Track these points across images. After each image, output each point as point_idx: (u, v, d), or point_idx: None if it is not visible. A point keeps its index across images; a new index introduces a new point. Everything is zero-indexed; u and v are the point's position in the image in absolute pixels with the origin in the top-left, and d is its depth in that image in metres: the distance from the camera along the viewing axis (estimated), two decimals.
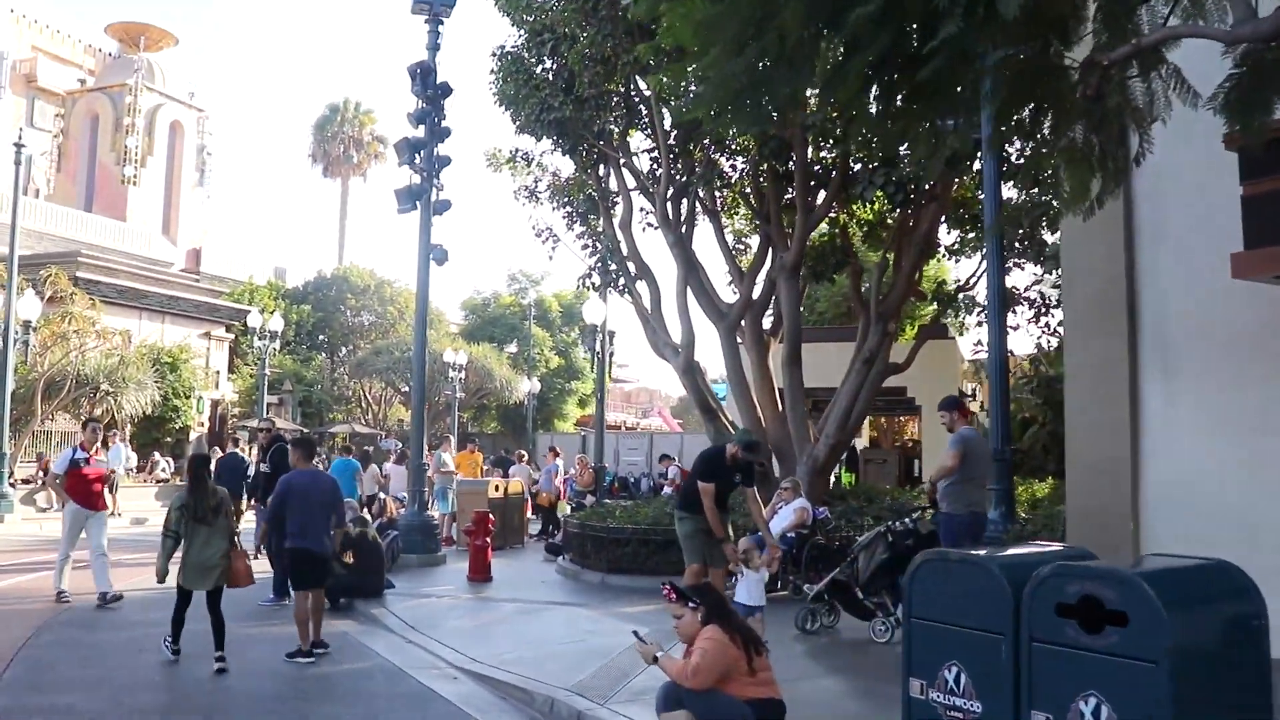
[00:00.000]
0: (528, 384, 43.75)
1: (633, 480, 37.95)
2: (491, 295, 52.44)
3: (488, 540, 12.69)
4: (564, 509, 21.14)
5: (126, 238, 42.53)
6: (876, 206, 16.85)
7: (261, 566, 11.27)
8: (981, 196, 16.30)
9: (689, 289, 15.28)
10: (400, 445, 40.60)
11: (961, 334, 21.44)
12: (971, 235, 16.25)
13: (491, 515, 13.31)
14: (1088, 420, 9.06)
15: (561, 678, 7.18)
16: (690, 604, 5.34)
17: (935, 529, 8.85)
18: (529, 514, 18.95)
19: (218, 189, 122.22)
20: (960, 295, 16.37)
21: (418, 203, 14.55)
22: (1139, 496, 8.64)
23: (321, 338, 47.79)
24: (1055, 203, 11.01)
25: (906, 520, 8.89)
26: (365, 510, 14.66)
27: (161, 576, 8.09)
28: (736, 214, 18.12)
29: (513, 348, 49.69)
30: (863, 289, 16.82)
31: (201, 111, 52.60)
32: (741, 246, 18.64)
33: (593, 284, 15.47)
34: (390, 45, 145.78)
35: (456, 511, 17.30)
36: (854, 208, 16.58)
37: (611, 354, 21.51)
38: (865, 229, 17.11)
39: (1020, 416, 30.49)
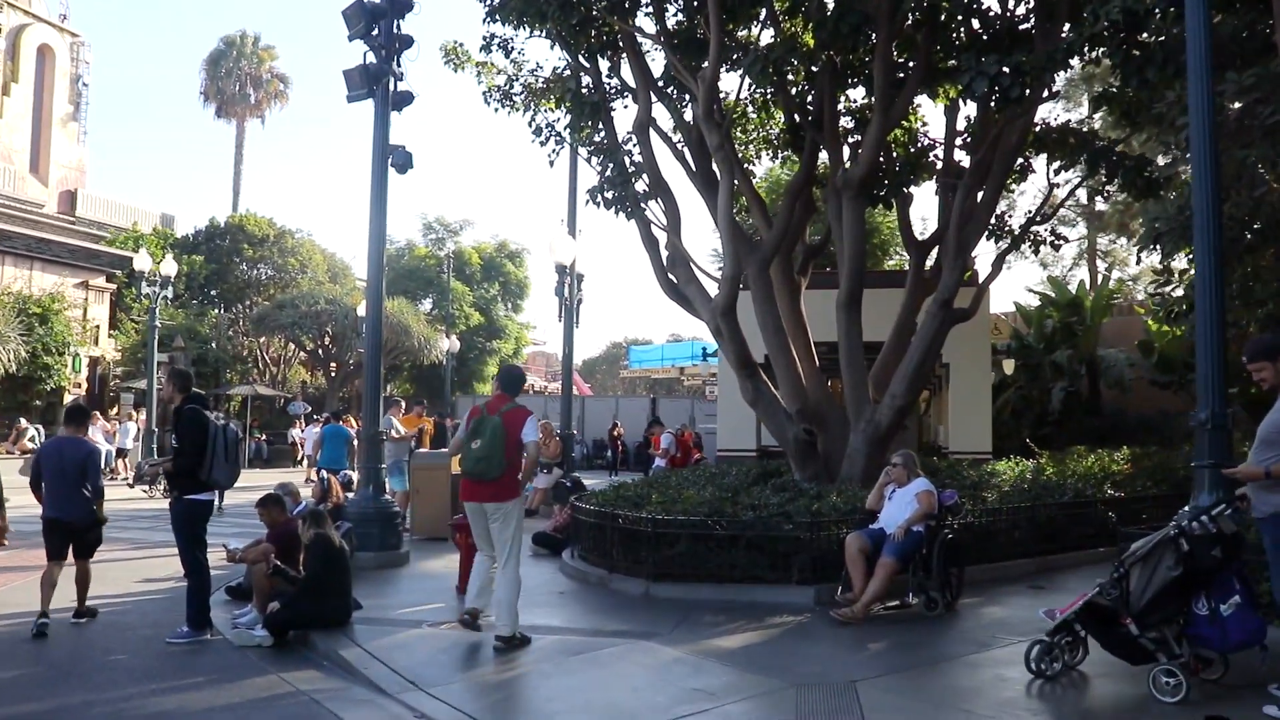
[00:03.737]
0: (447, 342, 39.95)
1: None
2: (406, 245, 48.19)
3: None
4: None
5: None
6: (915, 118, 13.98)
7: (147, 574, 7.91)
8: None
9: (712, 213, 12.11)
10: (308, 408, 36.76)
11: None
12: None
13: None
14: None
15: None
16: None
17: (1238, 530, 5.93)
18: None
19: (96, 126, 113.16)
20: (1032, 228, 13.49)
21: (374, 89, 11.02)
22: None
23: (214, 292, 43.14)
24: None
25: (1205, 520, 5.84)
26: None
27: None
28: (747, 129, 14.93)
29: (427, 304, 45.82)
30: (914, 220, 13.95)
31: (76, 37, 46.92)
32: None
33: (604, 199, 12.16)
34: None
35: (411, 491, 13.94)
36: (909, 119, 13.61)
37: (580, 301, 18.16)
38: (910, 151, 14.13)
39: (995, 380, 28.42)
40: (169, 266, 25.11)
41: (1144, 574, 5.80)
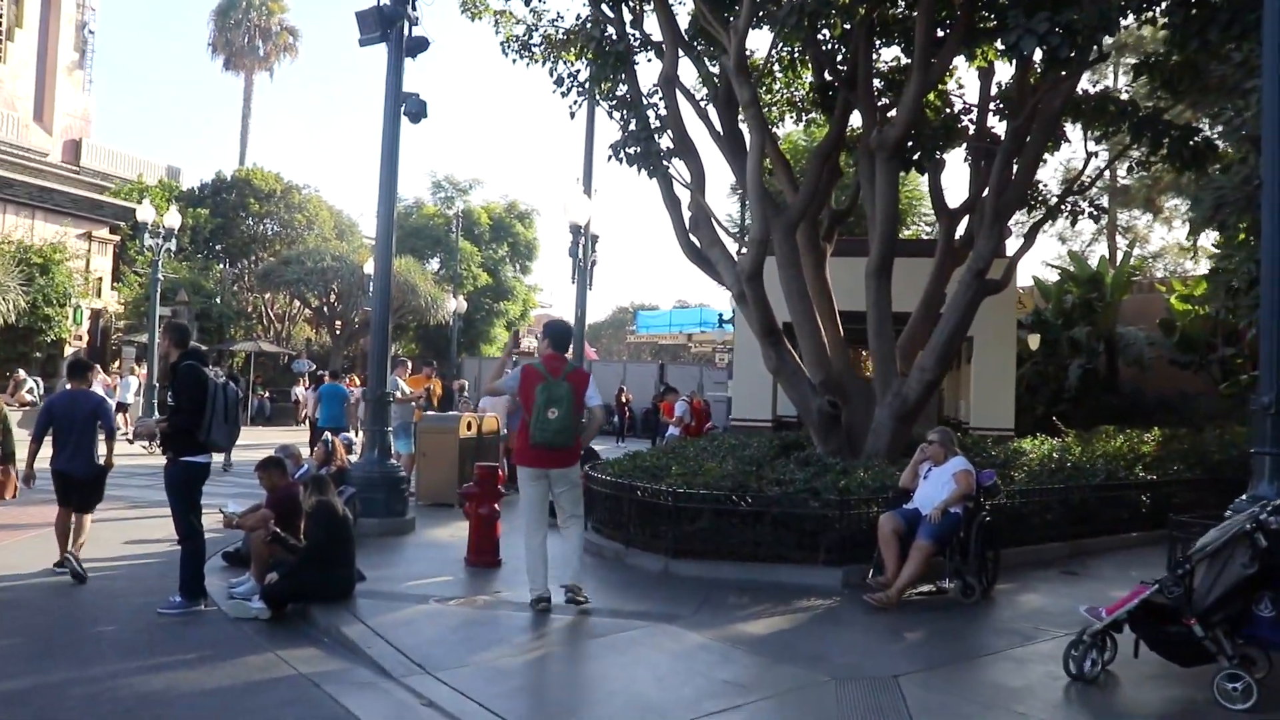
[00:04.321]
0: (454, 302, 39.43)
1: None
2: (414, 203, 47.58)
3: (495, 508, 8.92)
4: None
5: None
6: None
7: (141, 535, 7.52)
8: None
9: (736, 174, 11.57)
10: (313, 366, 36.30)
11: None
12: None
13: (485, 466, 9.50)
14: None
15: None
16: None
17: None
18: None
19: (102, 76, 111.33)
20: (1070, 198, 12.94)
21: (388, 32, 10.46)
22: None
23: (220, 246, 42.58)
24: None
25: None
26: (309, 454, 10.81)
27: None
28: (773, 88, 14.34)
29: (435, 264, 45.26)
30: (942, 187, 13.37)
31: None
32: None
33: (627, 155, 11.62)
34: None
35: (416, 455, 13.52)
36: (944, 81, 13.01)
37: (594, 263, 17.66)
38: (944, 116, 13.53)
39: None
40: (173, 219, 24.55)
41: (1211, 571, 5.33)
